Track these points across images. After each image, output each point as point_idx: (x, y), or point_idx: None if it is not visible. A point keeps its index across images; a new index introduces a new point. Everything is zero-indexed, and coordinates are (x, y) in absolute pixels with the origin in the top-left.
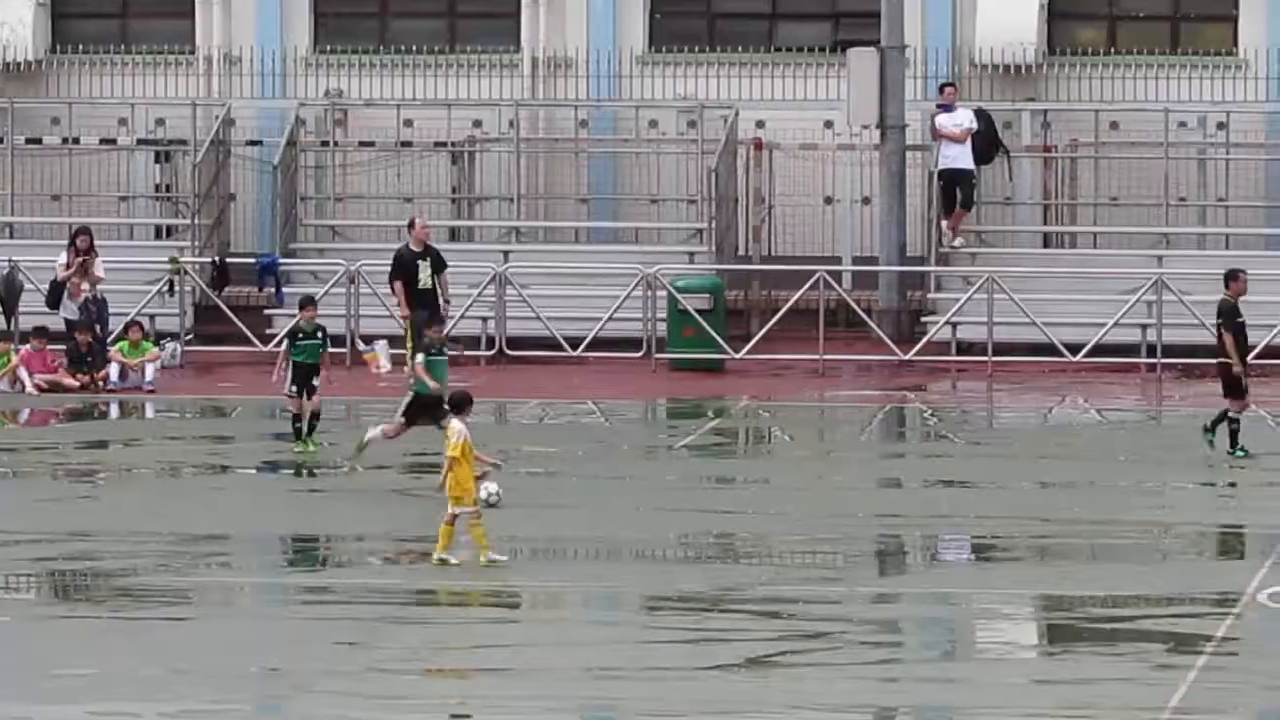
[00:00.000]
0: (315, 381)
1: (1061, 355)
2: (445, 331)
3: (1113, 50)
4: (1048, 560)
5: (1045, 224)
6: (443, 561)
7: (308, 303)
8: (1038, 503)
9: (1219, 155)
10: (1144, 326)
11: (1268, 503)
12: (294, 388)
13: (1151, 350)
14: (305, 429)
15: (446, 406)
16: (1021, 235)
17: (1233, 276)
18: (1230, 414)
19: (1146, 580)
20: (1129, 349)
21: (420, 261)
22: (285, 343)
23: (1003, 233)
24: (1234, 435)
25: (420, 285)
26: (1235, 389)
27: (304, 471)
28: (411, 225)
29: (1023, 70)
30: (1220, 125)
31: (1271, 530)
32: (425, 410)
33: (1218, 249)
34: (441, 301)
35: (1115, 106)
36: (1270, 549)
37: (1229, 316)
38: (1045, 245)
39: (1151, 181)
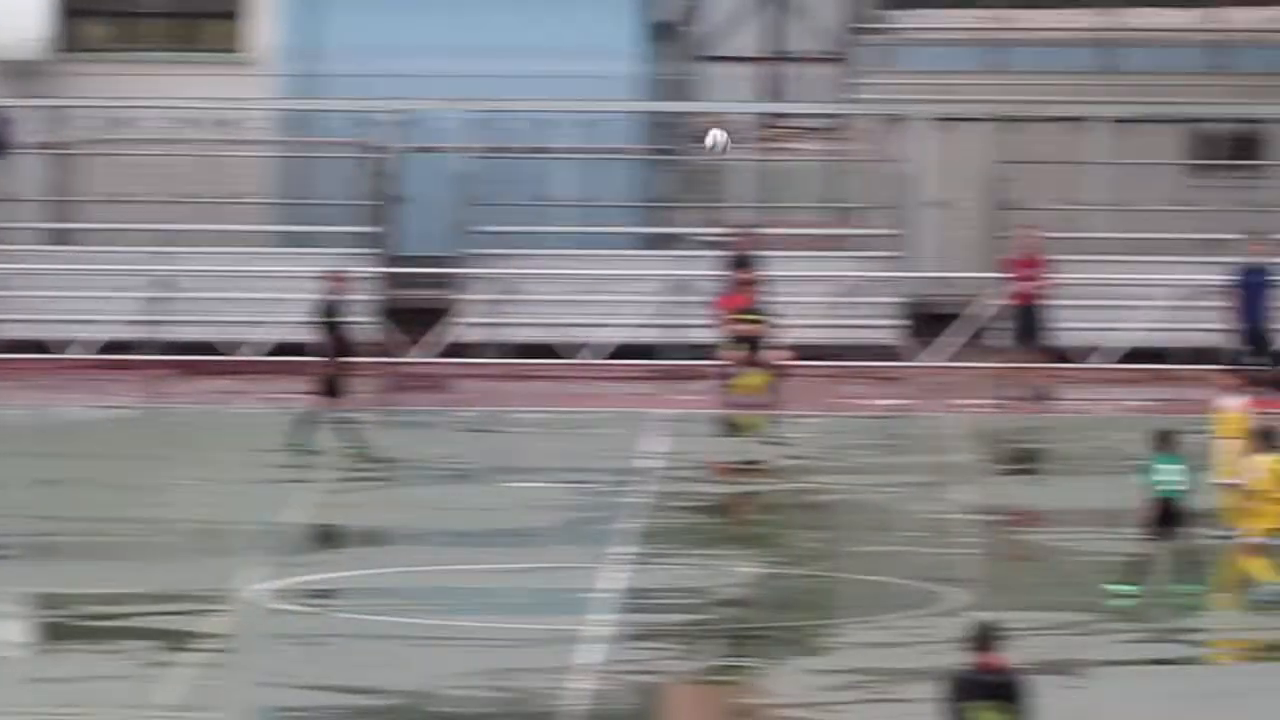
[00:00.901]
0: None
1: (60, 354)
2: None
3: (125, 48)
4: (46, 558)
5: (52, 221)
6: None
7: None
8: (37, 501)
9: (227, 153)
10: (149, 323)
11: (262, 498)
12: None
13: (154, 347)
14: None
15: None
16: (26, 232)
17: (331, 277)
18: (314, 410)
19: (146, 577)
20: (133, 345)
21: None
22: None
23: (7, 230)
24: (302, 426)
25: None
26: (327, 388)
27: None
28: None
29: (32, 66)
30: (225, 123)
31: (265, 525)
32: None
33: (227, 245)
34: None
35: (125, 103)
36: (262, 543)
37: (325, 315)
38: (61, 243)
39: (162, 178)
